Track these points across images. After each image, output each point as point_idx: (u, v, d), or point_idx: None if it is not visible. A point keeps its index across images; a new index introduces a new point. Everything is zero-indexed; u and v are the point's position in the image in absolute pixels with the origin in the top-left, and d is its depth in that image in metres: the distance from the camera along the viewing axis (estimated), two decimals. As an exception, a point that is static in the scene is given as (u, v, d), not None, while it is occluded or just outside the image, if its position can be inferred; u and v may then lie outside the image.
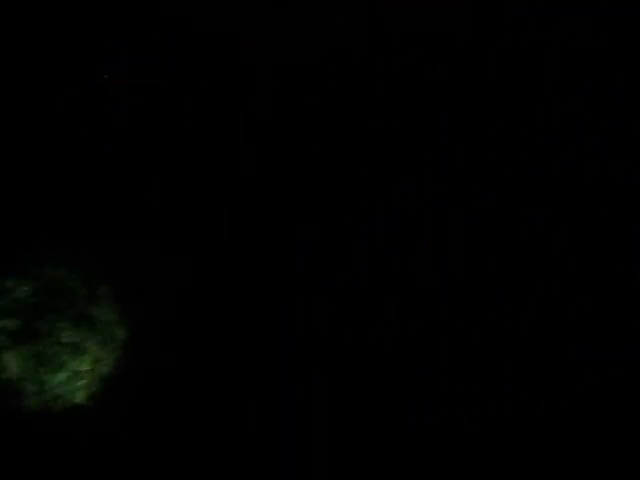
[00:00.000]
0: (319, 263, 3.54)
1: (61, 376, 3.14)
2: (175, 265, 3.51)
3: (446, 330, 3.17)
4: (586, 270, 3.11)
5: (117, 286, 3.43)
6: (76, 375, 3.18)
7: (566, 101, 3.20)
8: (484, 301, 3.19)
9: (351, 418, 3.09)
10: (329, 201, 3.42)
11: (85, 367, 3.20)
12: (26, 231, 3.32)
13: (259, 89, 3.46)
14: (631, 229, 3.07)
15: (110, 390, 3.17)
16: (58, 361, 3.15)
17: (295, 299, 3.38)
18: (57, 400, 3.09)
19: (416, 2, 3.28)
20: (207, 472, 2.99)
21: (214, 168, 3.50)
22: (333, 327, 3.32)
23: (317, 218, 3.45)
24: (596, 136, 3.15)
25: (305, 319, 3.34)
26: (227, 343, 3.35)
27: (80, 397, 3.13)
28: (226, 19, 3.39)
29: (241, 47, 3.41)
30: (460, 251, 3.26)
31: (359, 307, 3.33)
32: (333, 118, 3.45)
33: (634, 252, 3.05)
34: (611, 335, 2.98)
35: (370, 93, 3.43)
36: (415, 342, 3.19)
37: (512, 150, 3.27)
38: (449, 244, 3.28)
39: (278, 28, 3.38)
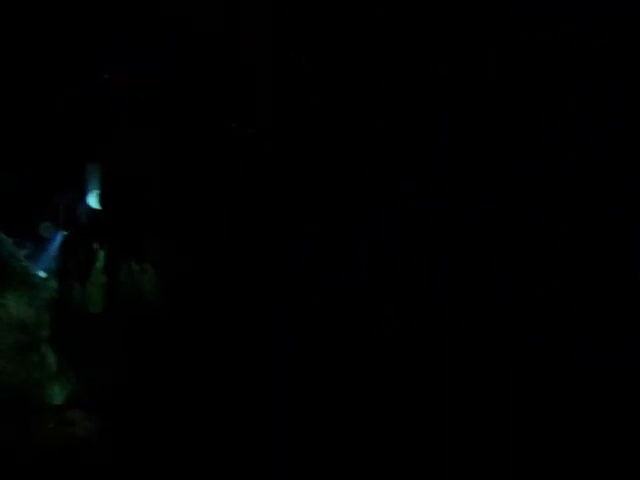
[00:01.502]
0: (319, 263, 3.54)
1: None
2: (175, 265, 3.51)
3: (446, 330, 3.17)
4: (586, 270, 3.11)
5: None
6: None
7: (566, 101, 3.20)
8: (484, 301, 3.19)
9: (350, 418, 3.09)
10: (329, 201, 3.41)
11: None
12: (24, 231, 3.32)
13: (259, 89, 3.46)
14: (631, 229, 3.07)
15: (117, 389, 3.16)
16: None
17: (295, 299, 3.38)
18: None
19: (416, 2, 3.28)
20: (204, 472, 2.99)
21: (214, 168, 3.50)
22: (333, 327, 3.32)
23: (317, 218, 3.45)
24: (596, 136, 3.15)
25: (305, 319, 3.34)
26: (227, 342, 3.35)
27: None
28: (226, 19, 3.39)
29: (241, 47, 3.41)
30: (460, 251, 3.26)
31: (359, 307, 3.33)
32: (333, 118, 3.44)
33: (634, 252, 3.05)
34: (611, 335, 2.98)
35: (370, 93, 3.42)
36: (415, 342, 3.19)
37: (512, 150, 3.27)
38: (449, 244, 3.27)
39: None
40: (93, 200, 3.39)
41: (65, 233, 3.34)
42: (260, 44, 3.41)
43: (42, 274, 3.28)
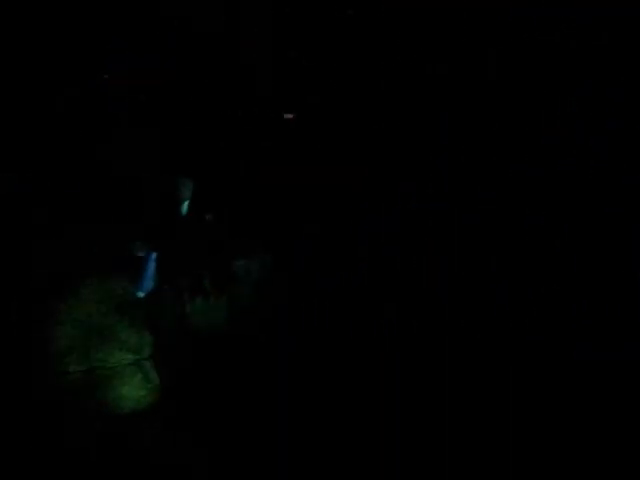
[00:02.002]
0: (319, 263, 3.54)
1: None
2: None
3: (446, 330, 3.17)
4: (586, 270, 3.11)
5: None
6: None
7: (566, 101, 3.20)
8: (484, 301, 3.19)
9: (351, 417, 3.09)
10: (329, 201, 3.42)
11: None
12: (23, 235, 3.32)
13: (259, 89, 3.46)
14: (631, 229, 3.07)
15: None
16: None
17: (295, 299, 3.38)
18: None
19: (416, 2, 3.28)
20: (206, 471, 3.00)
21: (214, 168, 3.50)
22: (333, 327, 3.32)
23: (317, 218, 3.45)
24: (596, 136, 3.15)
25: (305, 319, 3.34)
26: (227, 342, 3.35)
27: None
28: (226, 19, 3.39)
29: (241, 47, 3.41)
30: (460, 251, 3.26)
31: (359, 307, 3.33)
32: (333, 118, 3.45)
33: (634, 252, 3.05)
34: (611, 335, 2.98)
35: (370, 93, 3.43)
36: (415, 342, 3.19)
37: (512, 150, 3.27)
38: (449, 244, 3.28)
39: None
40: (184, 211, 3.37)
41: (158, 252, 3.33)
42: (260, 44, 3.41)
43: (140, 294, 3.31)
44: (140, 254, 3.31)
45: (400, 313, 3.26)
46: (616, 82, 3.13)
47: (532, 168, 3.22)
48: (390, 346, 3.20)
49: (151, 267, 3.30)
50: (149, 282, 3.30)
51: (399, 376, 3.13)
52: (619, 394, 2.87)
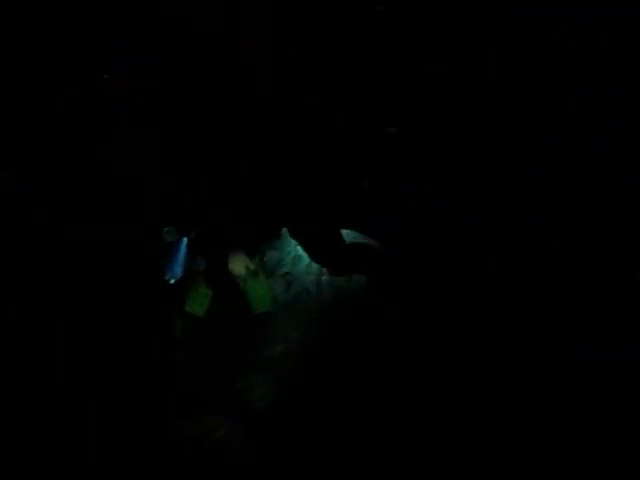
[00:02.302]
0: (319, 263, 3.54)
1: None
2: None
3: (446, 330, 3.18)
4: (586, 270, 3.11)
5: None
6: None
7: (566, 101, 3.20)
8: (484, 301, 3.19)
9: (350, 417, 3.09)
10: (329, 201, 3.41)
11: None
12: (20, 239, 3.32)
13: (259, 89, 3.46)
14: (631, 229, 3.07)
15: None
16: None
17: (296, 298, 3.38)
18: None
19: (416, 2, 3.27)
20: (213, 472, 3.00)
21: (213, 168, 3.50)
22: (332, 327, 3.32)
23: (317, 218, 3.45)
24: (596, 136, 3.15)
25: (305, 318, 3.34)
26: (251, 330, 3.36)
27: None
28: (226, 19, 3.38)
29: (241, 47, 3.41)
30: (460, 251, 3.27)
31: (359, 307, 3.34)
32: (333, 118, 3.44)
33: (634, 252, 3.05)
34: (611, 335, 2.98)
35: (370, 93, 3.42)
36: (415, 342, 3.19)
37: (512, 150, 3.27)
38: (449, 244, 3.28)
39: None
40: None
41: (189, 237, 3.31)
42: (260, 44, 3.41)
43: (170, 280, 3.29)
44: (170, 240, 3.29)
45: (400, 313, 3.26)
46: (616, 82, 3.13)
47: (532, 168, 3.22)
48: (390, 346, 3.20)
49: (181, 253, 3.28)
50: (178, 268, 3.29)
51: (399, 376, 3.13)
52: (619, 394, 2.87)
